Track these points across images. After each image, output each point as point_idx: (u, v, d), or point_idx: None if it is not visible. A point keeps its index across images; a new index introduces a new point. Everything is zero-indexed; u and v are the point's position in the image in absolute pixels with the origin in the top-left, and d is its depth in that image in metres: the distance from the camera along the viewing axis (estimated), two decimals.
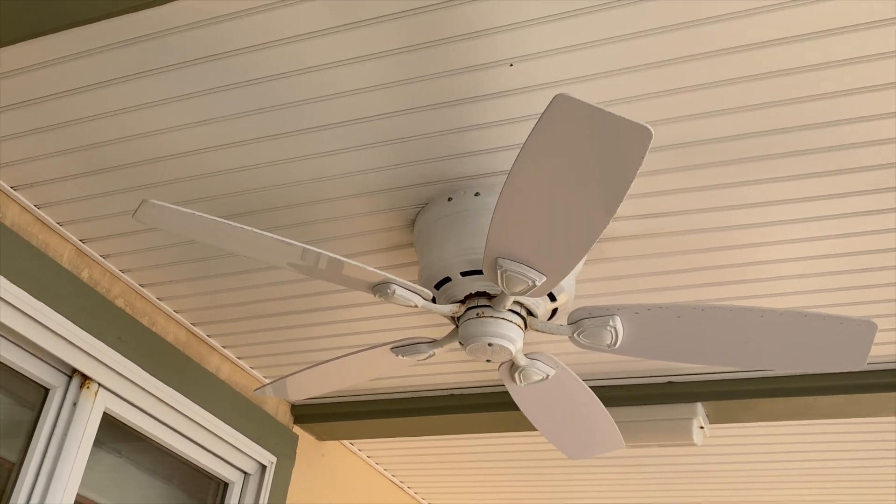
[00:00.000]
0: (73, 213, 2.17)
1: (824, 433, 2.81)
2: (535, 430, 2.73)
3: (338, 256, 1.68)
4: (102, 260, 2.35)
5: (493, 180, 1.88)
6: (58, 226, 2.22)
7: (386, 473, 3.62)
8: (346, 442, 3.35)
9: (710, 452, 3.05)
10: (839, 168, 1.74)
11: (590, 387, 2.12)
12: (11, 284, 2.08)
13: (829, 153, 1.70)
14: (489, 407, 2.78)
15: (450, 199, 1.93)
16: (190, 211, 1.59)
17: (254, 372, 2.89)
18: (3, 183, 2.08)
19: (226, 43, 1.61)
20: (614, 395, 2.59)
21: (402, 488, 3.74)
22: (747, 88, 1.57)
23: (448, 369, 2.74)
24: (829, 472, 3.09)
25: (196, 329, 2.67)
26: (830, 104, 1.59)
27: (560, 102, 1.26)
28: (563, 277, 1.64)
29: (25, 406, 2.25)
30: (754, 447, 2.97)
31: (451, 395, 2.85)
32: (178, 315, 2.60)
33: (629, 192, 1.84)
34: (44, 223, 2.21)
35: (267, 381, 2.92)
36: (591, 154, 1.32)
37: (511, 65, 1.57)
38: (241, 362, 2.85)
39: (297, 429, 3.11)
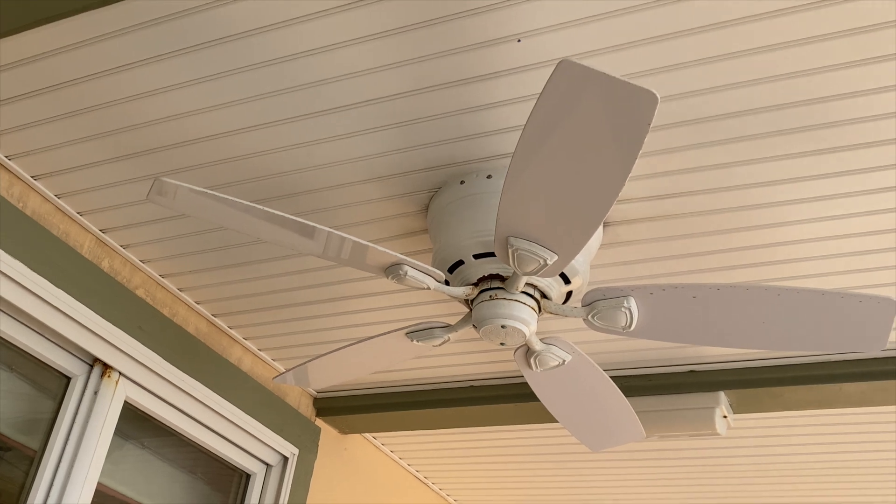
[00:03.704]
0: (93, 202, 2.20)
1: (853, 423, 2.75)
2: (555, 422, 2.71)
3: (350, 237, 1.68)
4: (123, 250, 2.38)
5: (504, 162, 1.87)
6: (78, 216, 2.25)
7: (409, 468, 3.61)
8: (368, 436, 3.35)
9: (734, 445, 3.01)
10: (861, 142, 1.70)
11: (609, 377, 2.09)
12: (33, 273, 2.11)
13: (850, 126, 1.67)
14: (509, 398, 2.77)
15: (462, 183, 1.93)
16: (202, 189, 1.59)
17: (275, 364, 2.90)
18: (23, 172, 2.11)
19: (235, 24, 1.62)
20: (634, 384, 2.56)
21: (425, 483, 3.73)
22: (761, 60, 1.55)
23: (467, 360, 2.73)
24: (857, 464, 3.03)
25: (217, 320, 2.68)
26: (848, 74, 1.55)
27: (565, 69, 1.25)
28: (575, 255, 1.63)
29: (47, 395, 2.28)
30: (781, 438, 2.92)
31: (472, 386, 2.84)
32: (198, 306, 2.62)
33: (643, 172, 1.84)
34: (64, 213, 2.24)
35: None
36: (598, 121, 1.30)
37: (519, 40, 1.56)
38: (262, 354, 2.86)
39: (319, 422, 3.12)
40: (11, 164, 2.08)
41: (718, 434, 2.54)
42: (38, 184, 2.15)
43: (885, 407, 2.51)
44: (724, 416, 2.54)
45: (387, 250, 1.70)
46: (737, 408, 2.56)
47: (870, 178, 1.78)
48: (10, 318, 2.14)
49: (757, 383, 2.48)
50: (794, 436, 2.88)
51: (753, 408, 2.56)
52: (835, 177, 1.79)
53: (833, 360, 2.39)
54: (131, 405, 2.45)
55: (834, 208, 1.87)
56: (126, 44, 1.70)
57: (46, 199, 2.20)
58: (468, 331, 2.03)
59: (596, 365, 2.02)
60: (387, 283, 2.36)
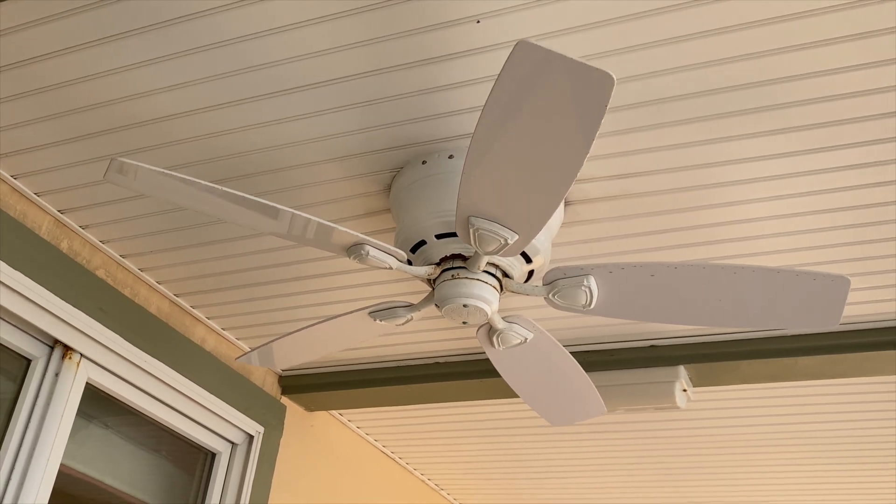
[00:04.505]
0: (50, 182, 2.17)
1: (808, 395, 2.82)
2: (519, 397, 2.74)
3: (310, 216, 1.67)
4: (82, 231, 2.35)
5: (466, 142, 1.87)
6: (35, 196, 2.22)
7: (376, 444, 3.64)
8: (335, 412, 3.36)
9: (694, 417, 3.07)
10: (814, 122, 1.73)
11: (571, 352, 2.11)
12: None
13: (804, 107, 1.69)
14: (474, 374, 2.79)
15: (424, 163, 1.93)
16: (160, 170, 1.58)
17: (239, 343, 2.90)
18: None
19: (194, 3, 1.60)
20: (596, 359, 2.60)
21: (392, 458, 3.76)
22: (716, 42, 1.56)
23: (433, 337, 2.74)
24: (813, 435, 3.10)
25: (179, 300, 2.67)
26: (802, 56, 1.58)
27: (522, 50, 1.25)
28: (535, 234, 1.64)
29: (7, 377, 2.26)
30: (739, 410, 2.98)
31: (437, 362, 2.86)
32: (160, 286, 2.60)
33: (603, 151, 1.86)
34: (21, 194, 2.20)
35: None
36: (556, 102, 1.31)
37: (478, 21, 1.56)
38: (226, 333, 2.85)
39: (284, 399, 3.12)
40: None
41: (678, 407, 2.59)
42: None
43: (839, 379, 2.57)
44: (684, 390, 2.59)
45: (348, 230, 1.70)
46: (696, 381, 2.61)
47: (824, 158, 1.81)
48: None
49: (715, 357, 2.52)
50: (752, 408, 2.94)
51: (712, 381, 2.61)
52: (790, 156, 1.82)
53: (789, 334, 2.43)
54: (94, 387, 2.43)
55: (789, 187, 1.90)
56: (82, 23, 1.67)
57: (3, 180, 2.16)
58: (432, 309, 2.04)
59: (557, 342, 2.04)
60: (350, 262, 2.36)
